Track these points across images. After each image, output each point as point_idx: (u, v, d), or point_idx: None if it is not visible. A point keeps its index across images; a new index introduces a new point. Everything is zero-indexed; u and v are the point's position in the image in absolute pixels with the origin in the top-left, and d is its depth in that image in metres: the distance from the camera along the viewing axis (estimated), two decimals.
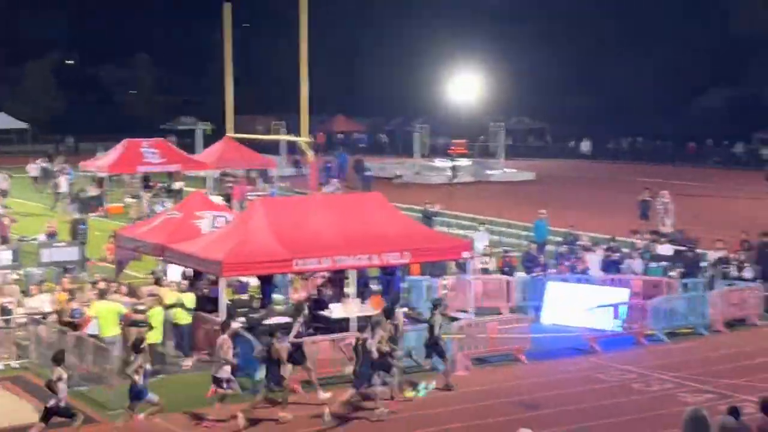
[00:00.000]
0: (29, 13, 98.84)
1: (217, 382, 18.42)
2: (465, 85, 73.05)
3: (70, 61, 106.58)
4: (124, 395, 17.87)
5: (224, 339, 18.59)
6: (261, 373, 19.29)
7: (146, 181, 45.95)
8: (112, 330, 21.23)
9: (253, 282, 25.81)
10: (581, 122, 76.93)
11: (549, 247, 32.54)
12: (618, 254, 29.32)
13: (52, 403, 16.89)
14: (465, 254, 24.76)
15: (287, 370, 18.80)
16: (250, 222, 23.55)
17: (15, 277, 26.72)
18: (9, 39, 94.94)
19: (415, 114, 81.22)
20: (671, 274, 27.66)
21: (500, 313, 25.79)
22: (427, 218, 34.70)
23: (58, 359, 17.12)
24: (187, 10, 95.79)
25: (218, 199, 35.82)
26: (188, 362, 21.74)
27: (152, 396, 17.91)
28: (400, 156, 71.30)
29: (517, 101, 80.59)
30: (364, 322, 21.18)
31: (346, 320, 23.06)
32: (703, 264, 28.96)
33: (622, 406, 19.30)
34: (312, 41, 41.72)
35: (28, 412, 18.52)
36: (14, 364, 22.15)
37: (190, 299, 22.63)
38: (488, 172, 59.50)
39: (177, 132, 76.48)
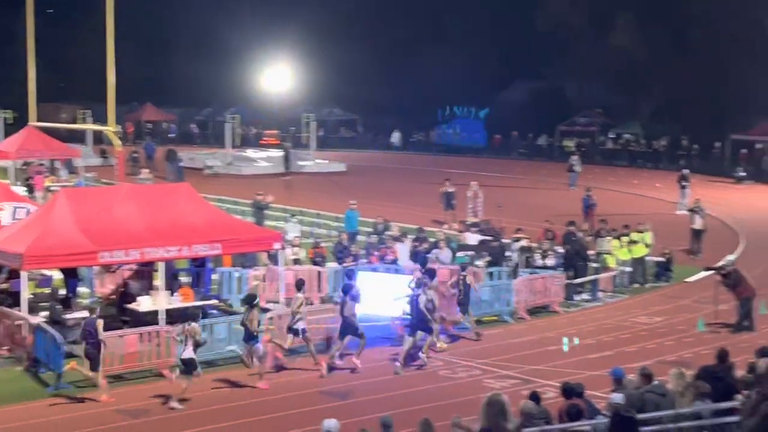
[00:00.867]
0: None
1: None
2: (277, 76, 72.80)
3: None
4: None
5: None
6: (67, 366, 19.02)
7: None
8: None
9: (57, 275, 25.06)
10: (392, 114, 77.76)
11: (360, 238, 32.83)
12: (426, 244, 29.82)
13: None
14: (276, 245, 24.80)
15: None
16: (54, 213, 22.88)
17: None
18: None
19: (226, 104, 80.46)
20: (478, 263, 28.31)
21: (311, 303, 25.86)
22: (259, 210, 34.36)
23: None
24: None
25: (20, 190, 34.64)
26: None
27: None
28: (211, 147, 70.50)
29: (330, 92, 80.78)
30: (176, 315, 21.04)
31: (155, 313, 22.68)
32: (509, 253, 29.75)
33: (428, 393, 19.62)
34: (120, 28, 40.77)
35: None
36: None
37: None
38: (300, 163, 59.46)
39: None
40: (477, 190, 38.05)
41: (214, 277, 26.67)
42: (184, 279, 25.61)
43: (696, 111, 64.05)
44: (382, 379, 20.65)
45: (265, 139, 72.57)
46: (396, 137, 76.82)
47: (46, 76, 54.41)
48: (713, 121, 62.95)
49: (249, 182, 49.11)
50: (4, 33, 78.22)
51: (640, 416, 13.55)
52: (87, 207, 23.16)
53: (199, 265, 25.51)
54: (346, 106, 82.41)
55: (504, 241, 30.82)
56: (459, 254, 29.38)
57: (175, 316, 21.43)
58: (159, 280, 23.35)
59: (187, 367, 19.03)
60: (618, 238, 30.22)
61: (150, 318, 22.50)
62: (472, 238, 31.06)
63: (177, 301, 23.33)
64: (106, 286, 25.61)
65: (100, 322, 19.17)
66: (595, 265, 29.20)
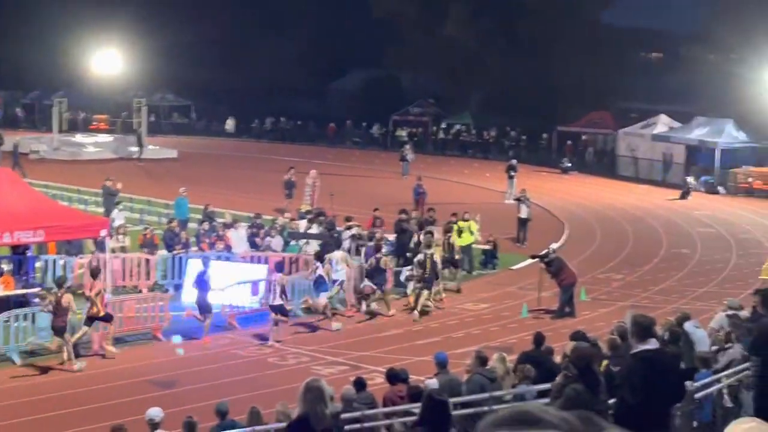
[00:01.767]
0: None
1: None
2: (108, 60, 71.10)
3: None
4: None
5: None
6: None
7: None
8: None
9: None
10: (227, 101, 77.04)
11: (191, 225, 32.42)
12: (263, 231, 29.68)
13: None
14: (102, 232, 24.30)
15: None
16: None
17: None
18: None
19: (54, 87, 78.13)
20: (308, 250, 28.30)
21: (140, 292, 25.46)
22: (111, 195, 33.67)
23: None
24: None
25: None
26: None
27: None
28: (38, 131, 68.40)
29: (163, 78, 79.40)
30: None
31: None
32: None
33: (257, 380, 19.61)
34: None
35: None
36: None
37: None
38: (130, 149, 58.31)
39: None
40: (315, 179, 38.11)
41: (37, 264, 25.92)
42: (5, 267, 24.80)
43: (524, 102, 65.55)
44: (210, 368, 20.49)
45: (94, 124, 70.88)
46: (230, 124, 76.20)
47: None
48: (541, 113, 64.57)
49: (76, 168, 47.90)
50: None
51: (463, 399, 13.93)
52: None
53: (21, 252, 24.76)
54: (180, 91, 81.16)
55: (337, 229, 30.91)
56: (291, 242, 29.36)
57: None
58: None
59: None
60: (447, 230, 30.61)
61: None
62: (303, 226, 31.05)
63: None
64: None
65: None
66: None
